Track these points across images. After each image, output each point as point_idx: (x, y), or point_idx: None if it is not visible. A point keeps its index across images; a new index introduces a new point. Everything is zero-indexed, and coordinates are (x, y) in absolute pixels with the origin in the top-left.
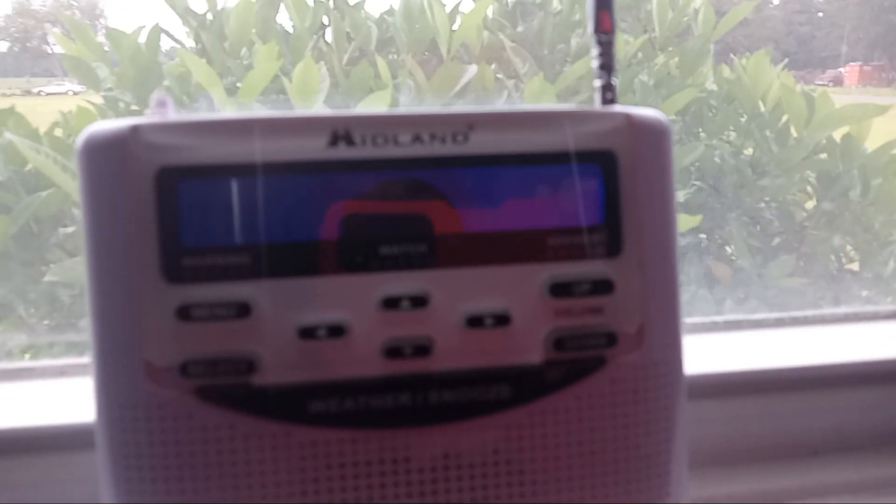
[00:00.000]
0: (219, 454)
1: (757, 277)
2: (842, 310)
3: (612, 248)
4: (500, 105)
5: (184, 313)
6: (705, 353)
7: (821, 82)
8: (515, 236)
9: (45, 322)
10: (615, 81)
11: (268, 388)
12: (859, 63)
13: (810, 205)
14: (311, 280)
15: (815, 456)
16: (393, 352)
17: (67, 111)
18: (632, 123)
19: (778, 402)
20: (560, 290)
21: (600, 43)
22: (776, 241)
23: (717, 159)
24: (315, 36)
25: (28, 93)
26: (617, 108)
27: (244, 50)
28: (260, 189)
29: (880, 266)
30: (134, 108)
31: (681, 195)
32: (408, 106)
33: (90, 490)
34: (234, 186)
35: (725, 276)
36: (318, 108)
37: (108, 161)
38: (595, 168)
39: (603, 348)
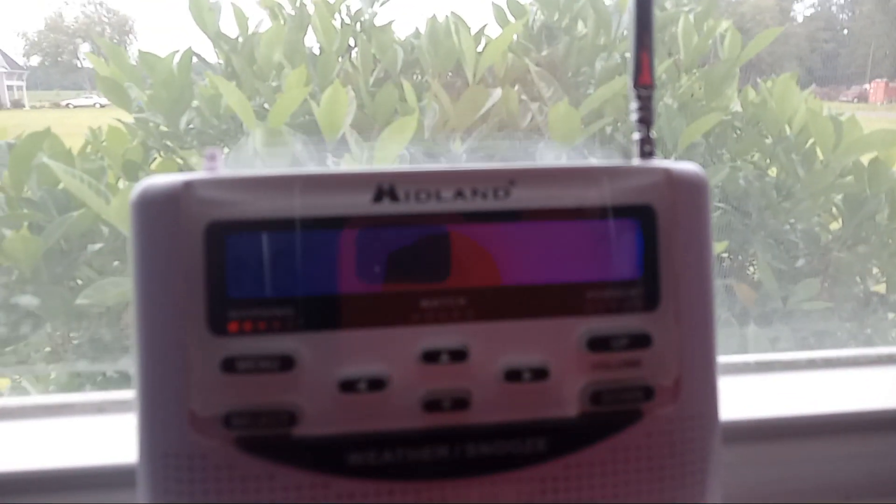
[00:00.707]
0: None
1: (781, 301)
2: (874, 351)
3: (650, 301)
4: (542, 161)
5: (229, 365)
6: (737, 395)
7: (845, 99)
8: (554, 290)
9: (72, 335)
10: (654, 135)
11: (307, 440)
12: (885, 79)
13: (835, 226)
14: (353, 332)
15: (847, 501)
16: (432, 405)
17: (97, 127)
18: (671, 178)
19: (810, 447)
20: (598, 344)
21: (640, 97)
22: (800, 262)
23: (741, 181)
24: (341, 58)
25: (56, 105)
26: (656, 162)
27: (273, 72)
28: (304, 243)
29: None
30: (163, 128)
31: None
32: (433, 129)
33: None
34: (279, 240)
35: (749, 298)
36: (345, 130)
37: (160, 215)
38: (634, 223)
39: (640, 402)
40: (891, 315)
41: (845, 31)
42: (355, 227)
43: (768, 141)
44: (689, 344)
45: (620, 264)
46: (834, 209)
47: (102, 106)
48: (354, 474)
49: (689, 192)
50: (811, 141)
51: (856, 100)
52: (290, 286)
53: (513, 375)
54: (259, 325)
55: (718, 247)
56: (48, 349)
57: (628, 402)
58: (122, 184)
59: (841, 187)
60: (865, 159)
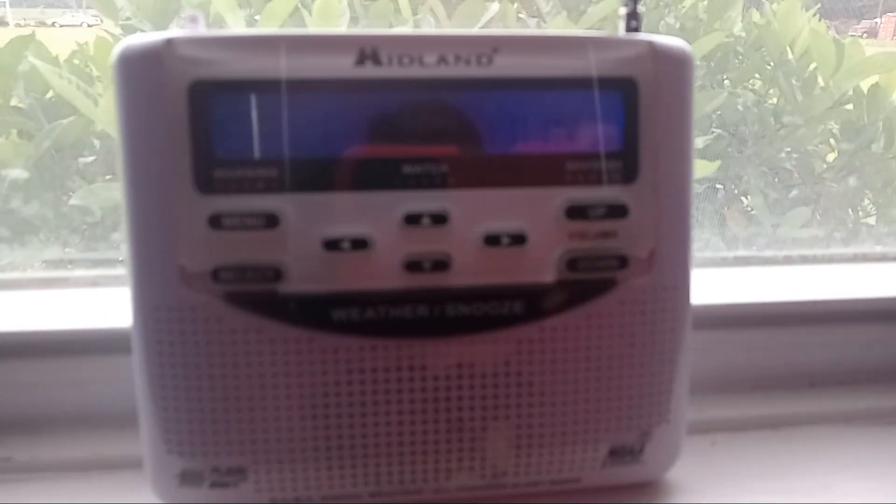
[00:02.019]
0: (246, 356)
1: (771, 228)
2: (850, 250)
3: (629, 174)
4: (526, 30)
5: (215, 222)
6: (713, 285)
7: (854, 33)
8: (534, 159)
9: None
10: (641, 9)
11: (293, 296)
12: None
13: (832, 157)
14: (337, 195)
15: (812, 387)
16: (413, 266)
17: (84, 42)
18: (655, 52)
19: (779, 334)
20: (575, 212)
21: None
22: (794, 192)
23: (739, 107)
24: None
25: (42, 24)
26: (641, 35)
27: None
28: (288, 105)
29: None
30: None
31: (700, 142)
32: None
33: (126, 390)
34: (264, 101)
35: (740, 225)
36: None
37: (142, 73)
38: (616, 95)
39: (614, 270)
40: (878, 248)
41: None
42: (338, 90)
43: (770, 67)
44: (665, 217)
45: (601, 136)
46: (831, 139)
47: (90, 25)
48: (338, 330)
49: (673, 66)
50: (813, 66)
51: (865, 34)
52: (274, 148)
53: (492, 240)
54: (244, 184)
55: (711, 166)
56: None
57: (603, 271)
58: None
59: (839, 114)
60: (866, 87)
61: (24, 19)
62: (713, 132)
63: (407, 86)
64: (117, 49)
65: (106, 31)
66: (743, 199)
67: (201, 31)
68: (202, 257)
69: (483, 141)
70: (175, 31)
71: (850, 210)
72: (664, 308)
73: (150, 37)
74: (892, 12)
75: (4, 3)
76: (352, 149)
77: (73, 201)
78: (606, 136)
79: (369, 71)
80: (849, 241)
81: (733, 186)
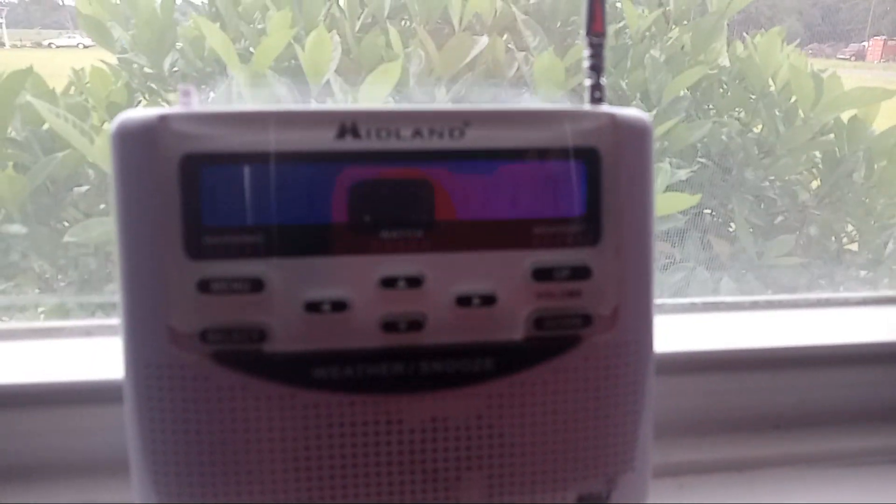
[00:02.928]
0: (232, 412)
1: (756, 256)
2: (813, 295)
3: (592, 237)
4: (496, 104)
5: (204, 286)
6: (681, 332)
7: (843, 56)
8: (504, 224)
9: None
10: (604, 82)
11: (276, 355)
12: (883, 37)
13: (815, 184)
14: (319, 259)
15: (776, 429)
16: (389, 326)
17: (80, 69)
18: (615, 123)
19: (743, 379)
20: (542, 274)
21: (591, 45)
22: (778, 219)
23: (724, 137)
24: (328, 1)
25: (38, 45)
26: (603, 108)
27: (257, 14)
28: (273, 175)
29: (879, 248)
30: (147, 70)
31: (683, 173)
32: (418, 76)
33: (117, 439)
34: (251, 172)
35: (724, 252)
36: (330, 76)
37: (137, 147)
38: (579, 164)
39: (579, 328)
40: (862, 273)
41: None
42: (319, 161)
43: (752, 98)
44: (627, 276)
45: (566, 202)
46: (813, 168)
47: (86, 47)
48: (319, 387)
49: (633, 135)
50: (794, 98)
51: (853, 57)
52: (260, 215)
53: (464, 301)
54: (231, 250)
55: (692, 200)
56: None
57: (568, 328)
58: (106, 126)
59: (820, 145)
60: (846, 117)
61: (21, 40)
62: (698, 162)
63: (384, 157)
64: (115, 123)
65: (102, 60)
66: (729, 226)
67: (195, 104)
68: (191, 319)
69: (456, 208)
70: (168, 108)
71: (832, 237)
72: (627, 362)
73: (144, 112)
74: (879, 36)
75: (1, 24)
76: (333, 216)
77: (67, 238)
78: (571, 203)
79: (349, 143)
80: (832, 266)
81: (718, 214)
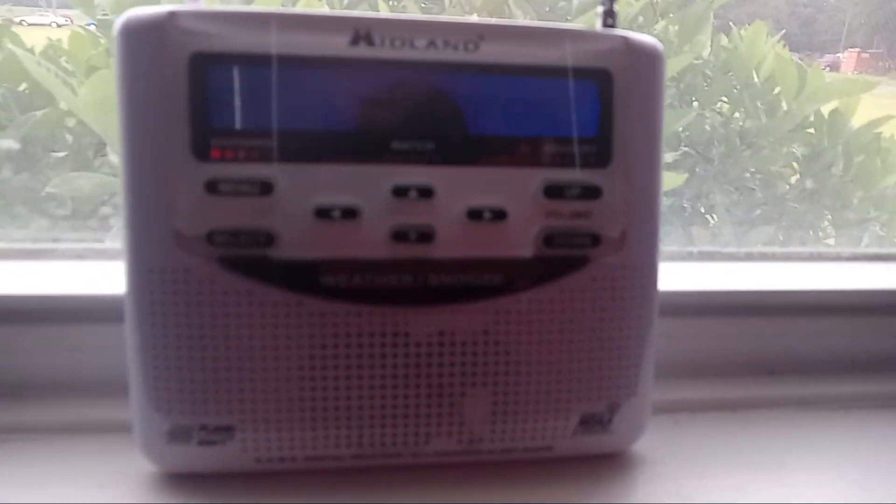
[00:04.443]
0: (237, 317)
1: (735, 248)
2: (807, 249)
3: (603, 158)
4: (512, 20)
5: (212, 187)
6: (678, 277)
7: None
8: (516, 141)
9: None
10: (616, 8)
11: (284, 261)
12: (858, 49)
13: (794, 178)
14: (329, 166)
15: (770, 375)
16: (399, 236)
17: (56, 39)
18: (629, 46)
19: (740, 324)
20: (553, 192)
21: None
22: (757, 211)
23: (707, 127)
24: None
25: (10, 21)
26: (617, 31)
27: None
28: (286, 79)
29: (854, 241)
30: None
31: (669, 157)
32: None
33: (116, 359)
34: (262, 75)
35: (705, 243)
36: None
37: (145, 44)
38: (592, 85)
39: (587, 248)
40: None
41: None
42: (332, 67)
43: (737, 90)
44: (635, 200)
45: (578, 122)
46: (794, 163)
47: (59, 25)
48: (326, 295)
49: (645, 60)
50: (777, 89)
51: (828, 68)
52: (267, 120)
53: (474, 214)
54: (239, 153)
55: (679, 179)
56: None
57: (577, 248)
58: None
59: (801, 138)
60: (827, 111)
61: None
62: (682, 150)
63: (398, 66)
64: (120, 20)
65: (81, 27)
66: (709, 217)
67: (202, 4)
68: (197, 221)
69: (468, 122)
70: (177, 5)
71: (810, 231)
72: (633, 286)
73: (152, 9)
74: (854, 48)
75: None
76: (343, 123)
77: (48, 189)
78: (582, 123)
79: (363, 51)
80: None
81: (700, 203)
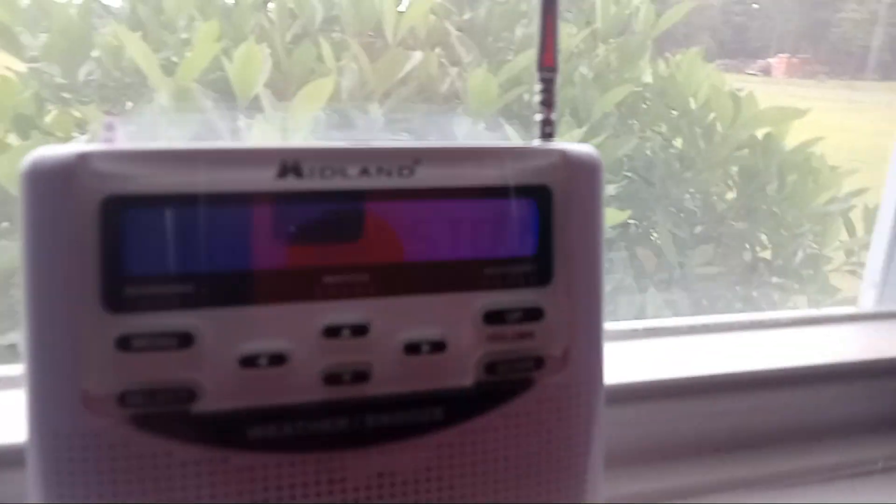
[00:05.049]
0: (156, 482)
1: (678, 266)
2: (746, 317)
3: (543, 277)
4: (446, 141)
5: (124, 344)
6: (626, 359)
7: (752, 71)
8: (453, 266)
9: None
10: (554, 117)
11: (207, 416)
12: (787, 55)
13: (730, 196)
14: (254, 309)
15: (715, 453)
16: (332, 378)
17: None
18: (566, 160)
19: (687, 405)
20: (493, 317)
21: (543, 80)
22: (698, 229)
23: (648, 152)
24: (257, 12)
25: None
26: (554, 144)
27: (182, 23)
28: (205, 219)
29: (790, 256)
30: (59, 80)
31: (612, 188)
32: (351, 91)
33: None
34: (180, 216)
35: (650, 262)
36: (259, 89)
37: (53, 189)
38: (531, 202)
39: (531, 371)
40: (774, 279)
41: (756, 6)
42: (259, 203)
43: (675, 113)
44: (578, 317)
45: (516, 241)
46: (730, 181)
47: None
48: (255, 447)
49: (584, 172)
50: (713, 115)
51: (761, 73)
52: (190, 262)
53: (412, 348)
54: (156, 302)
55: (622, 215)
56: None
57: (521, 372)
58: (11, 138)
59: (737, 160)
60: (761, 134)
61: None
62: (625, 176)
63: (328, 197)
64: (26, 161)
65: (8, 68)
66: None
67: (118, 139)
68: (108, 380)
69: (404, 249)
70: (88, 145)
71: (747, 245)
72: (578, 402)
73: (61, 150)
74: (784, 53)
75: None
76: (270, 261)
77: None
78: (522, 242)
79: (291, 183)
80: (748, 273)
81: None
